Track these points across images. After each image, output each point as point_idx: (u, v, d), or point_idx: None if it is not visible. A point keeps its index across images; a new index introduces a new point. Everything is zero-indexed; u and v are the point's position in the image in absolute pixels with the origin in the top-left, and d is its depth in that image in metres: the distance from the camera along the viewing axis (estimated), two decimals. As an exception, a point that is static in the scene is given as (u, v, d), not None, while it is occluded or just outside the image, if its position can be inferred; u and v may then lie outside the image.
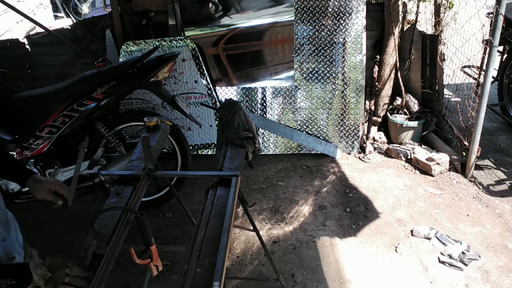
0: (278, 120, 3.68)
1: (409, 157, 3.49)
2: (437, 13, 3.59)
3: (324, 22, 3.47)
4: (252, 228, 1.97)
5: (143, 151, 1.57)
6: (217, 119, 3.41)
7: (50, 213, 3.06)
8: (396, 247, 2.59)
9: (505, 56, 3.93)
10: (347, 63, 3.52)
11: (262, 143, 3.66)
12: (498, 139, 3.81)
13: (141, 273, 2.43)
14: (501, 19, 2.77)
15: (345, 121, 3.62)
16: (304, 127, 3.67)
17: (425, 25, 3.83)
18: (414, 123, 3.61)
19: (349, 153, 3.68)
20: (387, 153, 3.66)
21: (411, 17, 4.00)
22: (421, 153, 3.41)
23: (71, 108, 2.61)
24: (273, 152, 3.70)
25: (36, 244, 1.54)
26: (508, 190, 3.06)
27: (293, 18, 3.51)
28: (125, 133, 3.03)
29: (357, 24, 3.46)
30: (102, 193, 2.94)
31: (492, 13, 2.96)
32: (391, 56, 3.71)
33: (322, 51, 3.52)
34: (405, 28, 3.83)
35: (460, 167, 3.27)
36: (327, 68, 3.54)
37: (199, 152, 3.65)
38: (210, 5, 3.69)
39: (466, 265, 2.40)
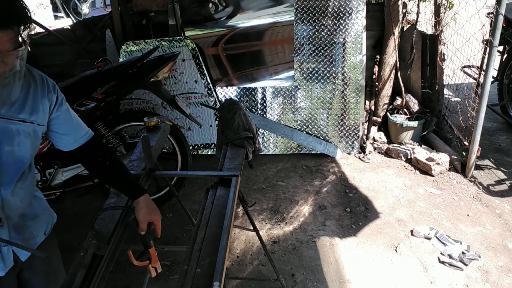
0: (278, 120, 3.68)
1: (409, 157, 3.49)
2: (437, 13, 3.59)
3: (324, 22, 3.47)
4: (252, 228, 1.97)
5: (143, 151, 1.58)
6: (217, 119, 3.41)
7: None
8: (396, 247, 2.58)
9: (505, 56, 3.93)
10: (347, 63, 3.52)
11: (262, 143, 3.66)
12: (498, 139, 3.81)
13: (141, 273, 2.43)
14: (501, 19, 2.77)
15: (345, 121, 3.62)
16: (304, 127, 3.67)
17: (425, 25, 3.83)
18: (414, 123, 3.61)
19: (349, 153, 3.68)
20: (387, 153, 3.66)
21: (411, 17, 4.00)
22: (421, 153, 3.41)
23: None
24: (273, 152, 3.70)
25: (36, 244, 1.54)
26: (508, 190, 3.06)
27: (293, 18, 3.51)
28: (125, 133, 3.03)
29: (357, 24, 3.46)
30: (102, 193, 2.94)
31: (492, 13, 2.96)
32: (391, 56, 3.71)
33: (322, 51, 3.52)
34: (405, 28, 3.83)
35: (460, 167, 3.27)
36: (327, 68, 3.54)
37: (199, 152, 3.65)
38: (210, 5, 3.69)
39: (466, 265, 2.40)
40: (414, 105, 3.72)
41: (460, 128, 3.47)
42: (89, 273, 1.15)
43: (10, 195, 1.22)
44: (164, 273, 2.47)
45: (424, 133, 3.72)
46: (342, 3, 3.42)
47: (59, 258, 1.57)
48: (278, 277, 2.15)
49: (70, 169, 2.80)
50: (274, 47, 3.77)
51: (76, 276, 1.11)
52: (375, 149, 3.72)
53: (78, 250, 1.20)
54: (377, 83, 3.78)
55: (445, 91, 3.91)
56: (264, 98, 3.65)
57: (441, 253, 2.51)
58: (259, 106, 3.67)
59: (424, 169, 3.34)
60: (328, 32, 3.49)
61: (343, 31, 3.47)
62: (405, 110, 3.79)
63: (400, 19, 3.63)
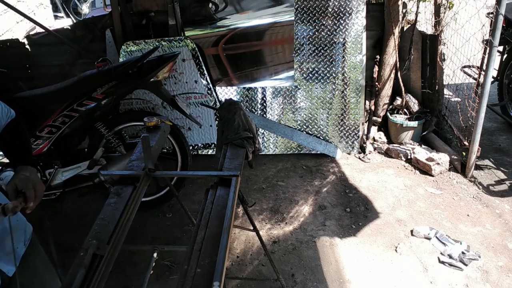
0: (278, 120, 3.68)
1: (409, 157, 3.49)
2: (437, 13, 3.59)
3: (324, 22, 3.47)
4: (252, 228, 1.97)
5: (143, 151, 1.57)
6: (217, 119, 3.41)
7: (50, 213, 3.06)
8: (396, 247, 2.59)
9: (505, 56, 3.93)
10: (347, 63, 3.52)
11: (262, 143, 3.66)
12: (498, 139, 3.81)
13: (141, 273, 2.43)
14: (501, 19, 2.77)
15: (345, 121, 3.62)
16: (304, 127, 3.67)
17: (425, 25, 3.83)
18: (414, 123, 3.61)
19: (349, 153, 3.68)
20: (387, 153, 3.66)
21: (411, 17, 4.00)
22: (421, 153, 3.41)
23: (71, 108, 2.61)
24: (273, 152, 3.70)
25: (36, 244, 1.54)
26: (508, 190, 3.06)
27: (293, 18, 3.51)
28: (125, 133, 3.03)
29: (357, 24, 3.46)
30: (102, 193, 2.94)
31: (492, 13, 2.96)
32: (391, 56, 3.71)
33: (322, 51, 3.52)
34: (405, 28, 3.83)
35: (460, 167, 3.27)
36: (327, 68, 3.54)
37: (199, 152, 3.65)
38: (210, 5, 3.69)
39: (466, 265, 2.40)
40: (414, 105, 3.72)
41: (460, 128, 3.47)
42: (89, 273, 1.15)
43: None
44: (164, 273, 2.47)
45: (424, 133, 3.72)
46: (342, 3, 3.42)
47: (47, 265, 1.55)
48: (278, 277, 2.15)
49: (70, 169, 2.80)
50: (274, 47, 3.77)
51: (76, 276, 1.11)
52: (375, 149, 3.72)
53: (78, 250, 1.20)
54: (377, 83, 3.78)
55: (445, 91, 3.91)
56: (264, 98, 3.65)
57: (441, 253, 2.51)
58: (259, 106, 3.67)
59: (424, 169, 3.34)
60: (328, 32, 3.49)
61: (343, 31, 3.47)
62: (405, 110, 3.79)
63: (400, 19, 3.63)
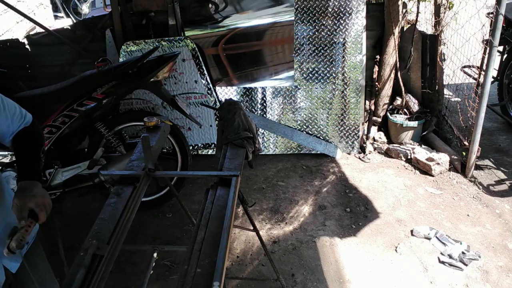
0: (278, 120, 3.68)
1: (409, 157, 3.49)
2: (437, 13, 3.59)
3: (324, 22, 3.47)
4: (252, 228, 1.97)
5: (143, 151, 1.57)
6: (217, 119, 3.41)
7: (50, 213, 3.05)
8: (396, 247, 2.59)
9: (505, 56, 3.93)
10: (347, 63, 3.52)
11: (262, 143, 3.66)
12: (498, 139, 3.81)
13: (141, 273, 2.43)
14: (501, 19, 2.77)
15: (345, 121, 3.62)
16: (304, 127, 3.67)
17: (425, 25, 3.83)
18: (414, 123, 3.61)
19: (349, 153, 3.68)
20: (387, 153, 3.66)
21: (411, 17, 4.00)
22: (421, 153, 3.41)
23: (71, 108, 2.61)
24: (273, 152, 3.70)
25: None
26: (508, 190, 3.06)
27: (293, 18, 3.51)
28: (125, 133, 3.02)
29: (357, 24, 3.46)
30: (102, 193, 2.94)
31: (492, 13, 2.96)
32: (391, 56, 3.71)
33: (322, 51, 3.52)
34: (405, 28, 3.83)
35: (460, 167, 3.27)
36: (327, 68, 3.54)
37: (199, 152, 3.65)
38: (210, 5, 3.69)
39: (466, 265, 2.40)
40: (414, 105, 3.72)
41: (460, 128, 3.47)
42: (89, 273, 1.15)
43: None
44: (164, 273, 2.47)
45: (424, 133, 3.72)
46: (342, 3, 3.42)
47: (47, 264, 1.56)
48: (278, 277, 2.15)
49: (70, 169, 2.80)
50: (274, 47, 3.77)
51: (76, 276, 1.11)
52: (375, 149, 3.72)
53: (78, 250, 1.20)
54: (377, 83, 3.78)
55: (445, 91, 3.91)
56: (264, 98, 3.65)
57: (441, 253, 2.51)
58: (259, 106, 3.67)
59: (424, 169, 3.34)
60: (328, 32, 3.49)
61: (343, 31, 3.47)
62: (405, 110, 3.79)
63: (400, 19, 3.62)
